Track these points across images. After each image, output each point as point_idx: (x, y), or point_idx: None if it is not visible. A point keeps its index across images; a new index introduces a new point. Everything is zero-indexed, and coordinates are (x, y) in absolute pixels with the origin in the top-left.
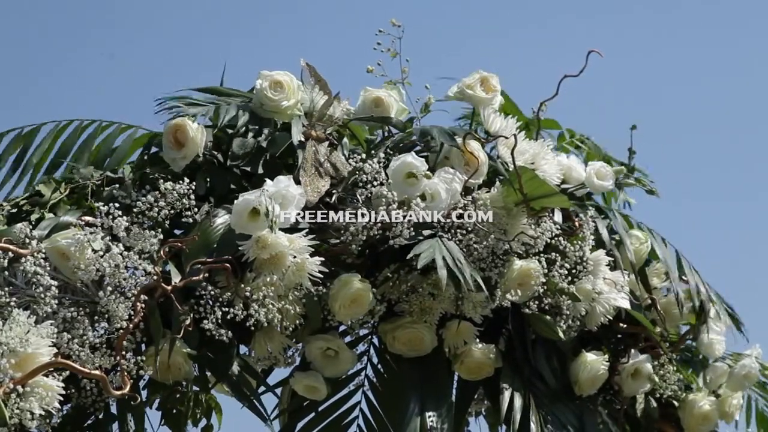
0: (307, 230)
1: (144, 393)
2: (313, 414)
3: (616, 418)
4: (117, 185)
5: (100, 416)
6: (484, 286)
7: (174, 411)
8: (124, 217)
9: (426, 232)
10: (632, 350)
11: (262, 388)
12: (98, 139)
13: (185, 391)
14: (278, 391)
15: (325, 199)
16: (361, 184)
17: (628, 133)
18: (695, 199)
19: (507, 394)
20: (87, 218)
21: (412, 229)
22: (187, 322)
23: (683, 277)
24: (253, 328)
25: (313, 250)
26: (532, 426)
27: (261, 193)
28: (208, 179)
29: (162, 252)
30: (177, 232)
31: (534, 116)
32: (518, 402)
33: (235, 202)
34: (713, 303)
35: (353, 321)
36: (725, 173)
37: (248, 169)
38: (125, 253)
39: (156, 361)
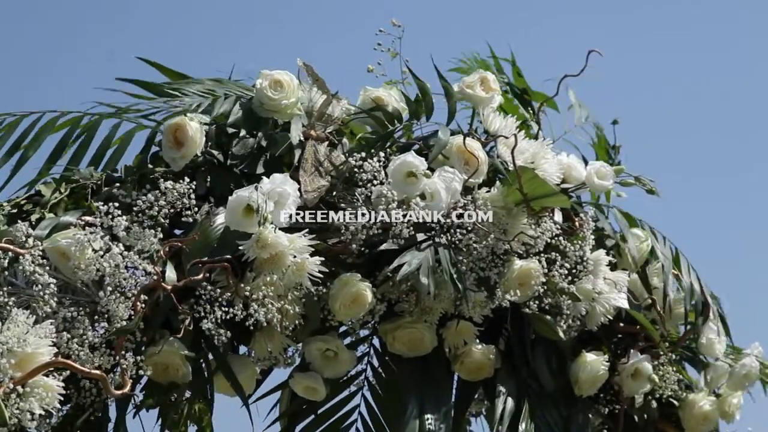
0: (307, 230)
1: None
2: (312, 416)
3: (615, 422)
4: (117, 184)
5: (99, 415)
6: (468, 300)
7: (169, 413)
8: (124, 217)
9: (421, 237)
10: (632, 350)
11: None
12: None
13: (179, 395)
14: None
15: (326, 198)
16: (360, 184)
17: (622, 131)
18: (685, 200)
19: (501, 397)
20: (87, 218)
21: (411, 228)
22: (187, 322)
23: (680, 275)
24: (252, 328)
25: (313, 249)
26: (521, 429)
27: (253, 189)
28: (208, 179)
29: (162, 251)
30: (177, 231)
31: (534, 116)
32: (509, 405)
33: (229, 199)
34: (713, 301)
35: (354, 321)
36: (715, 175)
37: (247, 169)
38: (125, 252)
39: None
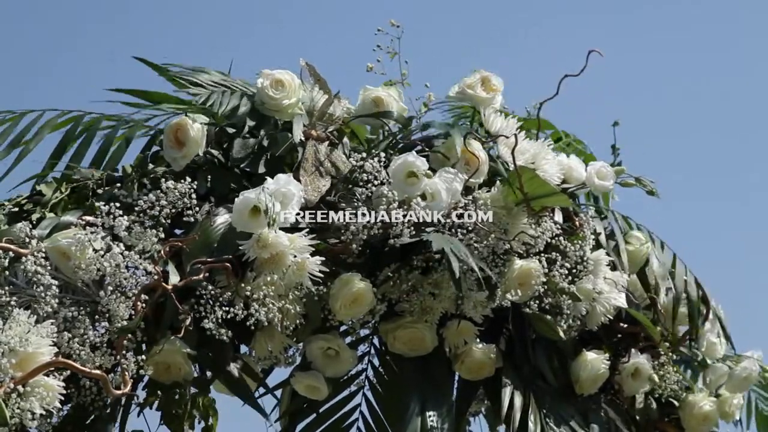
0: (307, 230)
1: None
2: (314, 415)
3: (620, 415)
4: (118, 184)
5: (98, 414)
6: (493, 276)
7: (174, 413)
8: (125, 217)
9: (429, 230)
10: (632, 350)
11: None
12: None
13: (183, 392)
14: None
15: (326, 198)
16: (361, 184)
17: (620, 133)
18: (686, 201)
19: (507, 394)
20: (88, 218)
21: (412, 228)
22: (188, 321)
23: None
24: (253, 327)
25: (313, 249)
26: (530, 425)
27: (261, 190)
28: (209, 179)
29: (163, 251)
30: (177, 231)
31: (534, 116)
32: (518, 401)
33: (236, 200)
34: (713, 306)
35: (354, 321)
36: (715, 175)
37: (249, 169)
38: (126, 252)
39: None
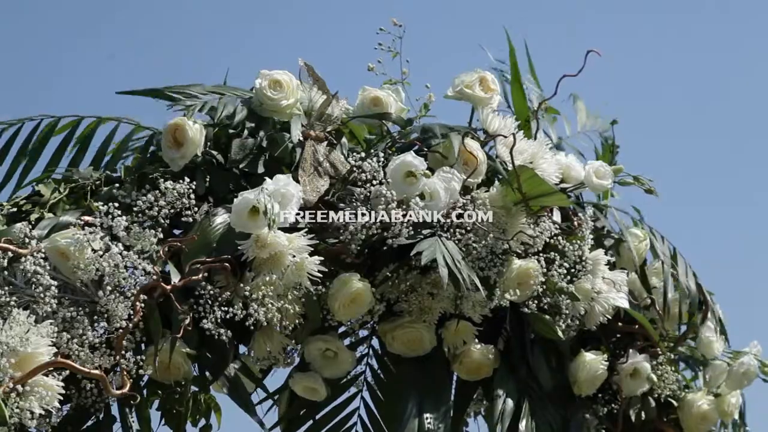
0: (306, 230)
1: (144, 393)
2: (311, 421)
3: (613, 422)
4: (116, 185)
5: (101, 417)
6: (481, 287)
7: (174, 411)
8: (124, 217)
9: (425, 232)
10: (631, 350)
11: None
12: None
13: (184, 391)
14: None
15: (325, 198)
16: (360, 184)
17: (619, 132)
18: (691, 204)
19: (500, 399)
20: (86, 218)
21: (411, 228)
22: (187, 321)
23: (676, 276)
24: (252, 327)
25: (312, 249)
26: (522, 429)
27: (260, 191)
28: (208, 179)
29: (161, 252)
30: (176, 231)
31: (533, 116)
32: (509, 405)
33: (235, 200)
34: (711, 304)
35: (353, 321)
36: (716, 175)
37: (247, 169)
38: (125, 252)
39: (155, 361)
